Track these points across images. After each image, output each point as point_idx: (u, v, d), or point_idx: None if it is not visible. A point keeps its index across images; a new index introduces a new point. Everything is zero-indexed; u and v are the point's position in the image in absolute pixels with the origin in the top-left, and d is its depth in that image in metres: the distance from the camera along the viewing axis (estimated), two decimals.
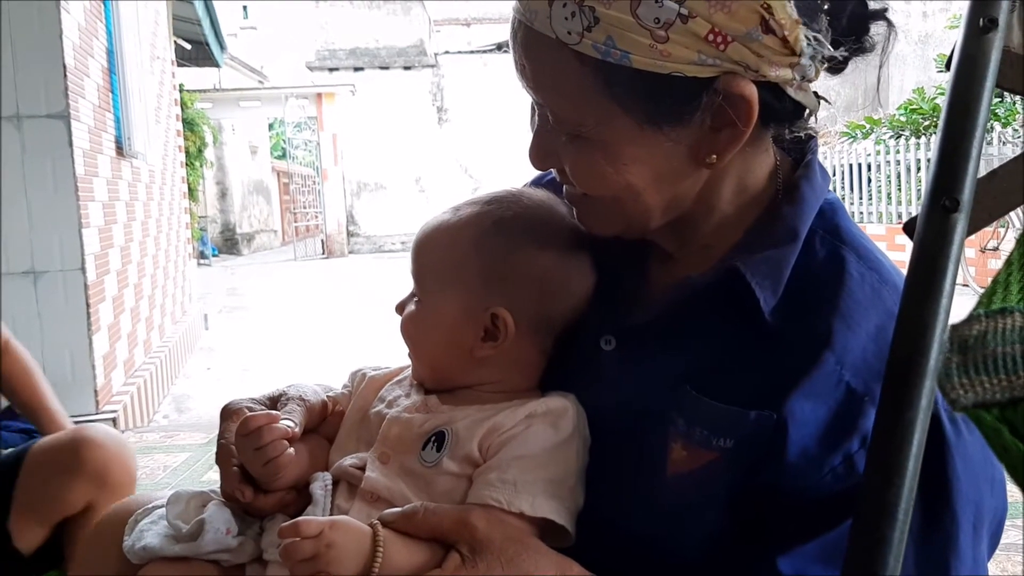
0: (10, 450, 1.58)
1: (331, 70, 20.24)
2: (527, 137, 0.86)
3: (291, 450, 0.85)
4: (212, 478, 3.43)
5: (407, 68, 20.40)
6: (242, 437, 0.85)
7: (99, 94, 4.48)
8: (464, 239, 0.90)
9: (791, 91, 0.77)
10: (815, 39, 0.75)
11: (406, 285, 0.95)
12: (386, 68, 20.36)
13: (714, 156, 0.78)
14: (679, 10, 0.71)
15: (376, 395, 0.94)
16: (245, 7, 28.89)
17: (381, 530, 0.78)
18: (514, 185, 0.99)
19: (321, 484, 0.87)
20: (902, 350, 0.62)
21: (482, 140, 19.40)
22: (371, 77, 20.20)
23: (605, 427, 0.86)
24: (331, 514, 0.83)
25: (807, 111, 0.82)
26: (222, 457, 0.89)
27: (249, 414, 0.87)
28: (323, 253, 19.63)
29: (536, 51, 0.78)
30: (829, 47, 0.76)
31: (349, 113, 19.56)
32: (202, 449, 3.82)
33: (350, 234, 20.19)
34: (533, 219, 0.90)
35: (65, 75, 3.76)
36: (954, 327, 0.53)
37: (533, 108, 0.85)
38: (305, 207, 22.08)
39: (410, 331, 0.92)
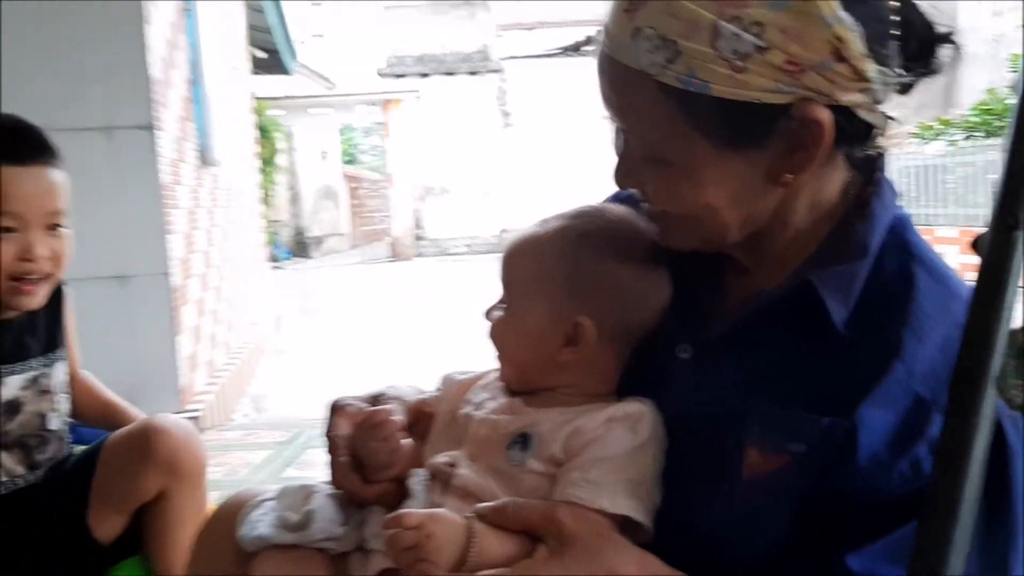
0: (84, 447, 1.66)
1: (399, 76, 20.52)
2: (590, 141, 0.92)
3: (407, 441, 0.93)
4: (291, 475, 3.55)
5: (472, 73, 20.57)
6: (368, 428, 0.93)
7: (182, 105, 4.66)
8: (550, 251, 0.96)
9: (862, 113, 0.81)
10: (882, 71, 0.79)
11: (471, 288, 1.01)
12: (452, 74, 20.57)
13: (789, 176, 0.83)
14: (756, 43, 0.76)
15: (463, 397, 1.01)
16: (316, 15, 29.41)
17: (476, 523, 0.84)
18: (596, 201, 1.06)
19: (419, 480, 0.94)
20: (967, 359, 0.66)
21: (546, 143, 19.46)
22: (437, 83, 20.42)
23: (680, 432, 0.90)
24: (427, 508, 0.89)
25: (877, 130, 0.85)
26: (332, 450, 0.97)
27: (371, 409, 0.95)
28: (390, 256, 19.90)
29: (620, 81, 0.84)
30: (898, 72, 0.81)
31: (415, 119, 19.80)
32: (281, 447, 3.95)
33: (417, 237, 20.44)
34: (615, 233, 0.96)
35: (150, 87, 3.93)
36: (1012, 333, 0.58)
37: (617, 131, 0.91)
38: (372, 211, 22.42)
39: (498, 336, 0.99)
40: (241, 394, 5.49)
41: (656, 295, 0.96)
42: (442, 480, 0.93)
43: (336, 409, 1.01)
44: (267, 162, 14.04)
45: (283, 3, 9.81)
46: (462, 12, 20.79)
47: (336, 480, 0.96)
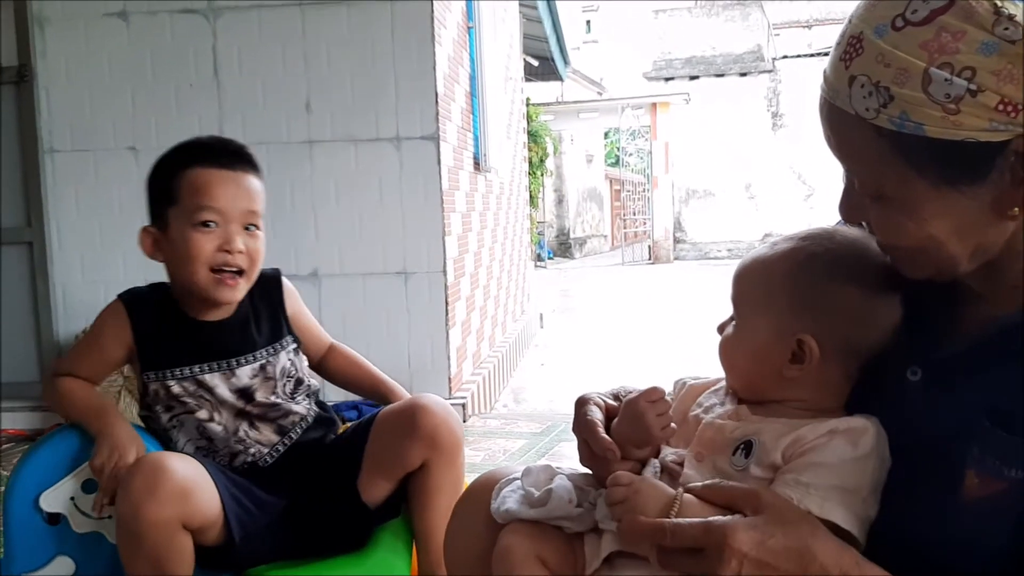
0: (360, 419, 1.84)
1: (667, 79, 20.51)
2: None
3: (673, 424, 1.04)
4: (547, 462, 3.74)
5: (743, 74, 20.13)
6: (648, 403, 1.04)
7: (462, 116, 5.04)
8: (778, 271, 1.02)
9: None
10: None
11: (725, 293, 1.09)
12: (721, 75, 20.25)
13: (1016, 209, 0.85)
14: (968, 86, 0.80)
15: (695, 401, 1.10)
16: (588, 21, 30.05)
17: (683, 493, 0.93)
18: (830, 224, 1.10)
19: (651, 469, 1.04)
20: None
21: (818, 146, 18.63)
22: (706, 85, 20.19)
23: (906, 450, 0.93)
24: None
25: None
26: (588, 429, 1.08)
27: (647, 390, 1.06)
28: (649, 259, 19.95)
29: (839, 124, 0.90)
30: None
31: (682, 121, 19.70)
32: (536, 437, 4.18)
33: (676, 240, 20.33)
34: (844, 255, 1.00)
35: (436, 102, 4.30)
36: None
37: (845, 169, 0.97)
38: (635, 213, 22.57)
39: (726, 351, 1.07)
40: (503, 385, 5.82)
41: (884, 316, 0.99)
42: (670, 474, 1.03)
43: (584, 402, 1.12)
44: (536, 166, 14.56)
45: (559, 10, 10.13)
46: (734, 13, 20.40)
47: (588, 456, 1.08)
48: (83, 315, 4.38)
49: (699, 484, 0.95)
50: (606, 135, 24.05)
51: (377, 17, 4.25)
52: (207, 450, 1.72)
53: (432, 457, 1.71)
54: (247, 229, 1.68)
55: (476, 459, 3.78)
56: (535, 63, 11.14)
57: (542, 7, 9.01)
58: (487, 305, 5.84)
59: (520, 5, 8.45)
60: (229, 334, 1.74)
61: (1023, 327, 0.87)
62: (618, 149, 22.34)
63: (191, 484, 1.53)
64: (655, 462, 1.05)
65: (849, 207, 0.97)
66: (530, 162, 12.73)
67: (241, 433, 1.73)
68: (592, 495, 1.06)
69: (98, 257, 4.45)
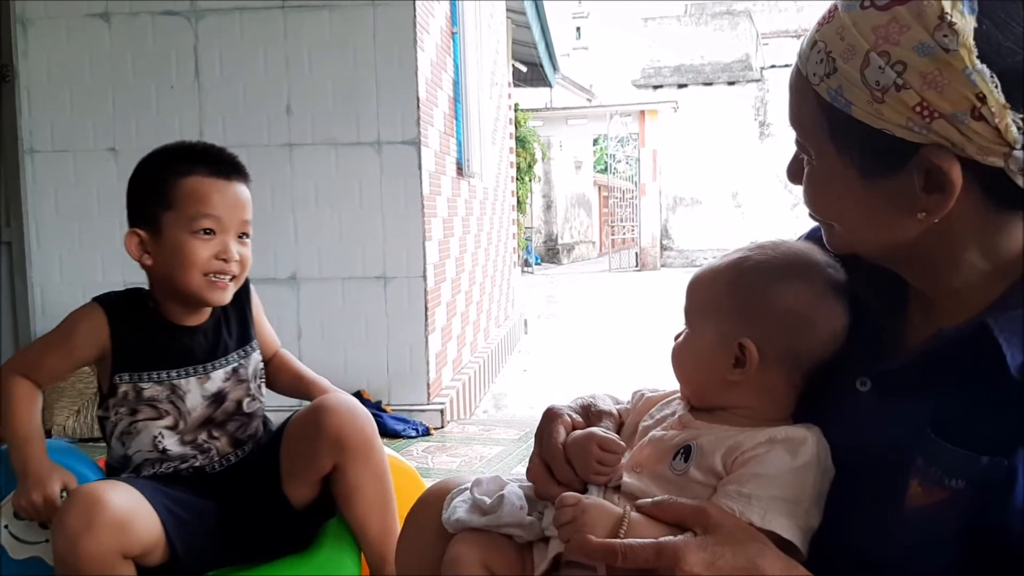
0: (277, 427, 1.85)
1: (655, 87, 20.58)
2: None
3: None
4: (520, 472, 3.74)
5: (731, 83, 20.24)
6: (607, 453, 1.02)
7: (444, 121, 5.04)
8: (723, 278, 1.04)
9: (1020, 180, 0.82)
10: None
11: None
12: (710, 84, 20.34)
13: (923, 214, 0.86)
14: (896, 79, 0.82)
15: (648, 412, 1.11)
16: (578, 28, 30.13)
17: (631, 512, 0.94)
18: (781, 236, 1.13)
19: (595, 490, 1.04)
20: None
21: None
22: (694, 93, 20.28)
23: (853, 460, 0.94)
24: None
25: None
26: (552, 453, 1.06)
27: (606, 437, 1.04)
28: (636, 265, 20.00)
29: (793, 80, 0.93)
30: None
31: (670, 129, 19.77)
32: (514, 444, 4.18)
33: (663, 248, 20.39)
34: (787, 263, 1.02)
35: (418, 106, 4.30)
36: None
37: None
38: (622, 220, 22.64)
39: (676, 357, 1.08)
40: (484, 391, 5.82)
41: (828, 324, 1.00)
42: (612, 486, 1.03)
43: (552, 418, 1.11)
44: (524, 171, 14.58)
45: (547, 17, 10.14)
46: (723, 22, 20.50)
47: (532, 473, 1.08)
48: (61, 315, 4.33)
49: (648, 501, 0.95)
50: (595, 142, 24.11)
51: (359, 21, 4.26)
52: (155, 462, 1.72)
53: (342, 458, 1.71)
54: (240, 237, 1.72)
55: (452, 465, 3.78)
56: (524, 69, 11.16)
57: (531, 12, 9.02)
58: (469, 310, 5.83)
59: (508, 10, 8.47)
60: (203, 338, 1.76)
61: (968, 341, 0.87)
62: (607, 156, 22.40)
63: (128, 514, 1.51)
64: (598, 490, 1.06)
65: (794, 168, 0.99)
66: (518, 167, 12.75)
67: (200, 440, 1.74)
68: (540, 505, 1.07)
69: (77, 258, 4.43)
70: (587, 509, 0.94)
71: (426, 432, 4.28)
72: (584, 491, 1.02)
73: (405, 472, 1.96)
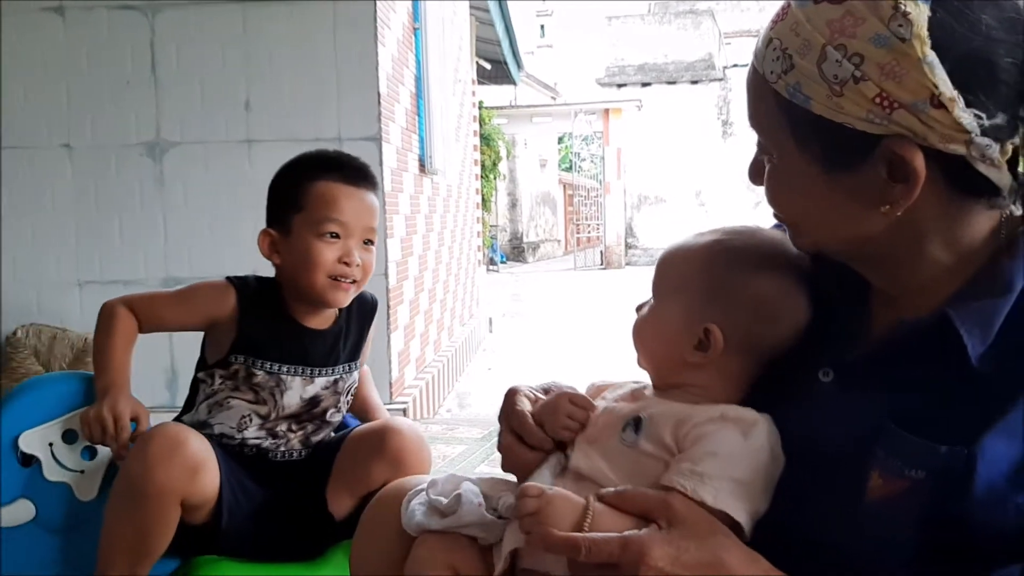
0: (339, 432, 1.88)
1: (619, 86, 20.66)
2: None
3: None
4: (484, 471, 3.74)
5: (694, 82, 20.37)
6: (576, 407, 1.05)
7: (407, 117, 5.01)
8: (696, 260, 1.03)
9: (981, 167, 0.82)
10: (986, 124, 0.80)
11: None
12: (673, 83, 20.46)
13: (887, 207, 0.86)
14: (854, 72, 0.81)
15: (602, 395, 1.10)
16: (543, 26, 30.16)
17: (593, 501, 0.91)
18: (756, 223, 1.11)
19: (554, 460, 1.04)
20: None
21: None
22: (658, 92, 20.39)
23: (816, 451, 0.93)
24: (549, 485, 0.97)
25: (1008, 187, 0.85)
26: (519, 419, 1.08)
27: (575, 393, 1.08)
28: (601, 264, 20.07)
29: (750, 79, 0.93)
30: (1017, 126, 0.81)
31: (634, 127, 19.86)
32: (478, 443, 4.16)
33: (628, 246, 20.49)
34: (760, 252, 1.01)
35: (379, 102, 4.26)
36: None
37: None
38: (587, 219, 22.70)
39: (639, 329, 1.07)
40: (448, 390, 5.79)
41: (792, 315, 1.00)
42: (562, 464, 1.02)
43: (514, 392, 1.12)
44: (489, 169, 14.56)
45: (511, 15, 10.13)
46: (686, 21, 20.64)
47: (502, 445, 1.08)
48: (15, 315, 4.26)
49: (611, 491, 0.93)
50: (560, 140, 24.16)
51: (319, 16, 4.21)
52: (230, 437, 1.76)
53: (395, 479, 1.72)
54: (364, 243, 1.77)
55: None
56: (488, 66, 11.15)
57: (494, 10, 9.01)
58: (432, 309, 5.80)
59: (472, 7, 8.44)
60: (321, 344, 1.80)
61: (929, 331, 0.87)
62: (572, 154, 22.46)
63: (202, 461, 1.59)
64: (560, 455, 1.05)
65: (755, 169, 0.98)
66: (483, 165, 12.73)
67: (278, 430, 1.78)
68: (496, 500, 1.05)
69: (30, 257, 4.32)
70: (551, 500, 0.91)
71: None
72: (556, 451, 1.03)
73: None
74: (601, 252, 20.48)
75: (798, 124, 0.87)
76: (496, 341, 8.46)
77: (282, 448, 1.79)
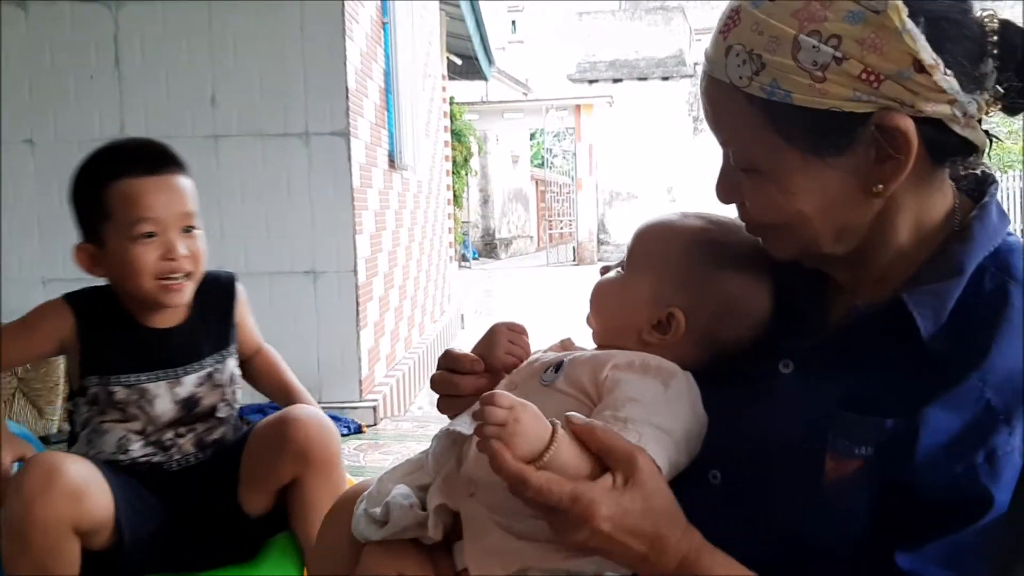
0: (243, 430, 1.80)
1: (591, 82, 20.69)
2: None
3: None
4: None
5: (665, 79, 20.44)
6: (514, 333, 1.07)
7: (376, 112, 4.97)
8: (679, 240, 1.03)
9: (957, 128, 0.84)
10: (967, 84, 0.81)
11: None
12: (644, 79, 20.52)
13: (880, 186, 0.86)
14: (834, 54, 0.81)
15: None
16: (514, 21, 30.12)
17: (560, 430, 0.86)
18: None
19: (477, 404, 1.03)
20: None
21: None
22: (629, 88, 20.43)
23: (779, 443, 0.93)
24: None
25: (979, 148, 0.87)
26: (449, 354, 1.10)
27: (511, 322, 1.10)
28: (574, 260, 20.09)
29: (715, 95, 0.91)
30: (995, 90, 0.83)
31: (606, 124, 19.89)
32: None
33: (600, 242, 20.53)
34: (740, 251, 1.01)
35: (347, 97, 4.22)
36: None
37: (724, 149, 0.97)
38: (560, 215, 22.73)
39: (602, 290, 1.07)
40: (419, 387, 5.76)
41: (755, 317, 1.00)
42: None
43: (449, 352, 1.12)
44: (460, 165, 14.50)
45: (482, 10, 10.10)
46: (657, 17, 20.70)
47: (442, 380, 1.09)
48: None
49: (582, 421, 0.88)
50: (532, 136, 24.15)
51: (287, 9, 4.17)
52: (119, 461, 1.67)
53: (303, 471, 1.67)
54: (186, 231, 1.64)
55: (385, 463, 3.72)
56: (459, 62, 11.09)
57: (465, 6, 8.96)
58: (403, 306, 5.77)
59: (442, 3, 8.40)
60: (177, 341, 1.71)
61: (884, 316, 0.89)
62: (544, 150, 22.47)
63: (85, 485, 1.50)
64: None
65: (726, 187, 0.97)
66: (454, 161, 12.68)
67: (164, 440, 1.70)
68: (421, 493, 1.02)
69: None
70: (520, 418, 0.84)
71: (358, 430, 4.21)
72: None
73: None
74: (574, 248, 20.49)
75: (781, 120, 0.86)
76: (468, 338, 8.43)
77: (176, 457, 1.71)
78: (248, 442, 1.72)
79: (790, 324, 1.00)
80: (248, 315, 1.87)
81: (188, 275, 1.66)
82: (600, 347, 1.05)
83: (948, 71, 0.81)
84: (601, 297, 1.06)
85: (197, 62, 4.18)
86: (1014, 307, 0.85)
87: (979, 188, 0.94)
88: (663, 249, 1.03)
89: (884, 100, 0.82)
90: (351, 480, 1.85)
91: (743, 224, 1.03)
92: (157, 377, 1.68)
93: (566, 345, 1.08)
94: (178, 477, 1.71)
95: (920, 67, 0.80)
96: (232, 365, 1.79)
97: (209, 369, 1.74)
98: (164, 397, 1.68)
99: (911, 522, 0.82)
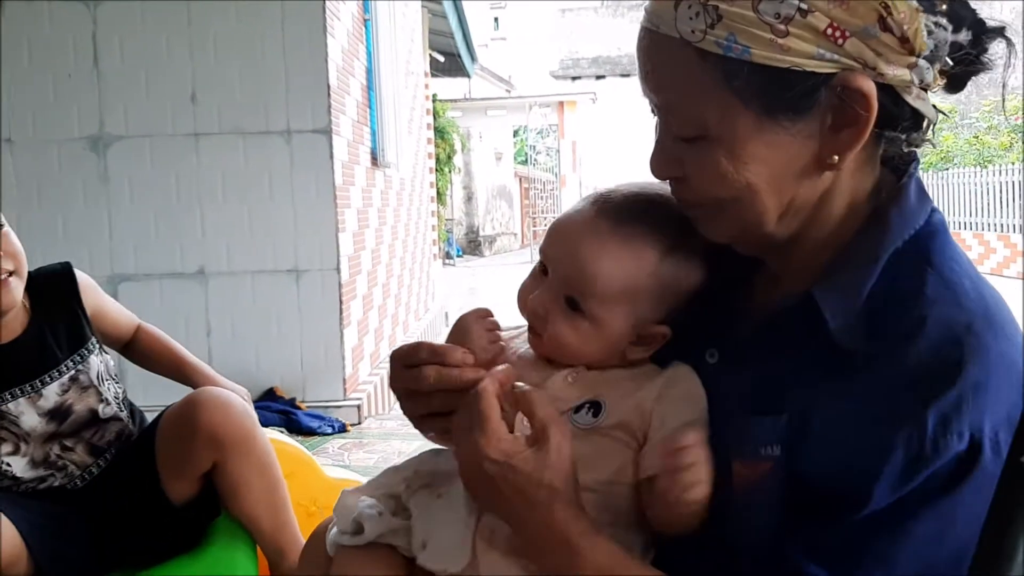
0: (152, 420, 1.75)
1: (574, 79, 20.70)
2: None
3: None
4: None
5: None
6: (479, 319, 1.05)
7: (358, 110, 4.94)
8: (646, 266, 0.95)
9: (910, 98, 0.80)
10: (937, 33, 0.78)
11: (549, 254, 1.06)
12: (627, 75, 20.54)
13: (835, 157, 0.81)
14: (799, 5, 0.76)
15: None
16: (496, 18, 30.09)
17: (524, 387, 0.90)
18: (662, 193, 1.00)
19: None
20: None
21: None
22: (612, 84, 20.46)
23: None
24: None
25: (925, 122, 0.84)
26: (425, 346, 1.01)
27: (479, 308, 1.08)
28: None
29: (660, 54, 0.83)
30: (946, 49, 0.80)
31: (589, 120, 19.91)
32: None
33: None
34: (688, 239, 0.95)
35: (329, 94, 4.20)
36: None
37: (657, 116, 0.90)
38: (544, 212, 22.70)
39: (570, 342, 0.98)
40: None
41: (691, 292, 0.99)
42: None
43: (425, 345, 1.02)
44: (444, 162, 14.47)
45: (465, 7, 10.08)
46: (639, 14, 20.67)
47: (400, 374, 1.01)
48: None
49: (524, 389, 0.90)
50: (515, 133, 24.12)
51: (267, 7, 4.14)
52: (8, 488, 1.62)
53: (221, 455, 1.63)
54: None
55: (370, 462, 3.71)
56: (441, 59, 11.06)
57: (447, 2, 8.94)
58: (387, 304, 5.75)
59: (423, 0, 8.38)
60: (26, 353, 1.63)
61: (797, 310, 0.85)
62: (527, 147, 22.44)
63: None
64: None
65: (663, 158, 0.90)
66: (438, 159, 12.64)
67: (52, 458, 1.64)
68: (390, 504, 1.00)
69: None
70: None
71: (342, 429, 4.19)
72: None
73: (298, 459, 1.90)
74: None
75: (736, 79, 0.79)
76: None
77: (75, 473, 1.65)
78: (158, 433, 1.67)
79: (716, 312, 0.97)
80: (102, 299, 1.79)
81: (12, 273, 1.59)
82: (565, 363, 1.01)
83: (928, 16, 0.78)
84: (572, 345, 0.98)
85: (177, 60, 4.15)
86: (927, 297, 0.80)
87: (901, 164, 0.89)
88: (630, 279, 0.96)
89: (847, 60, 0.77)
90: (351, 480, 1.82)
91: (671, 202, 0.96)
92: (13, 396, 1.61)
93: (580, 377, 1.02)
94: (90, 489, 1.66)
95: (885, 25, 0.76)
96: (98, 362, 1.71)
97: (70, 373, 1.66)
98: (28, 414, 1.61)
99: (798, 508, 0.80)
